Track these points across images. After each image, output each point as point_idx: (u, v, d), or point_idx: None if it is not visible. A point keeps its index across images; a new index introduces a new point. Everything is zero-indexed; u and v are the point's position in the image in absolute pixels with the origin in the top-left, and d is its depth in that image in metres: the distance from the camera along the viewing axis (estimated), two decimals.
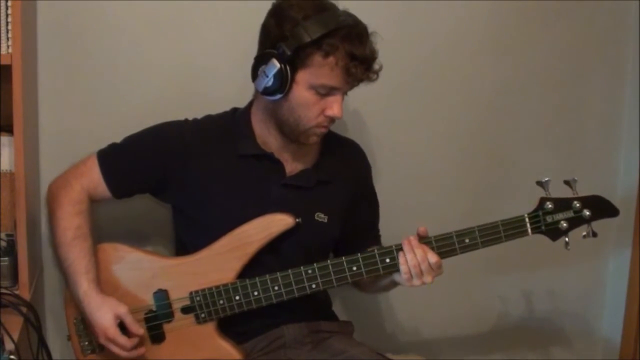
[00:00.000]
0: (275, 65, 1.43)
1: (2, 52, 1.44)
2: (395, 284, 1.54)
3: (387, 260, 1.49)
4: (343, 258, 1.50)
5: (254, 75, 1.48)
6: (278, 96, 1.47)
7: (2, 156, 1.53)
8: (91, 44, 1.72)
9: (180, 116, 1.63)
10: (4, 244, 1.55)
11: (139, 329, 1.49)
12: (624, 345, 2.21)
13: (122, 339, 1.47)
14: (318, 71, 1.44)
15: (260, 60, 1.47)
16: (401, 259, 1.47)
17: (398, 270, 1.48)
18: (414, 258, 1.46)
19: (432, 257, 1.46)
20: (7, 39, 1.44)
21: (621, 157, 2.18)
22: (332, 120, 1.50)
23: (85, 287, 1.48)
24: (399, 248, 1.48)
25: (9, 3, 1.44)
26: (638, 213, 2.13)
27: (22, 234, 1.51)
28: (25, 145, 1.49)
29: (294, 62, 1.43)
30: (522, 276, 2.16)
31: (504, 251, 2.06)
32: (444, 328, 2.13)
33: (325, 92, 1.46)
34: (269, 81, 1.45)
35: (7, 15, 1.44)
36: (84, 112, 1.75)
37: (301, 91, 1.46)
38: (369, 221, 1.74)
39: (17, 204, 1.50)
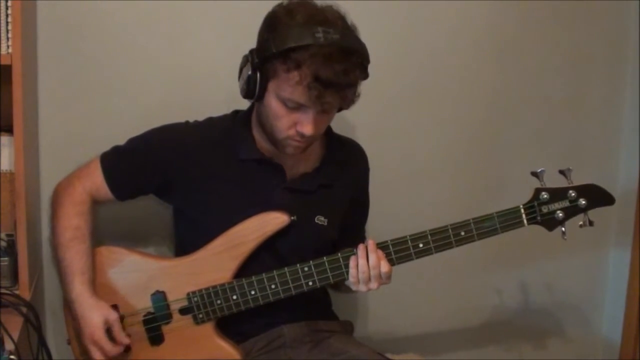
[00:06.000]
0: (249, 69, 1.43)
1: (2, 52, 1.44)
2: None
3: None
4: (339, 254, 1.50)
5: (239, 76, 1.49)
6: (252, 100, 1.47)
7: (2, 156, 1.53)
8: (91, 44, 1.72)
9: (181, 117, 1.63)
10: (4, 244, 1.55)
11: (125, 339, 1.49)
12: (624, 345, 2.21)
13: (107, 345, 1.47)
14: (282, 84, 1.40)
15: (243, 62, 1.47)
16: (352, 263, 1.47)
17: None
18: (364, 264, 1.46)
19: (384, 267, 1.46)
20: (7, 39, 1.44)
21: (621, 157, 2.18)
22: (303, 136, 1.46)
23: (78, 288, 1.48)
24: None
25: (9, 3, 1.43)
26: (638, 212, 2.13)
27: (22, 234, 1.51)
28: (25, 145, 1.49)
29: (263, 69, 1.41)
30: (522, 277, 2.17)
31: (504, 252, 2.09)
32: (444, 328, 2.13)
33: (293, 106, 1.43)
34: (243, 84, 1.45)
35: (7, 15, 1.44)
36: (84, 112, 1.75)
37: (272, 100, 1.44)
38: (360, 223, 1.75)
39: (17, 204, 1.50)
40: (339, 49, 1.37)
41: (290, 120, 1.45)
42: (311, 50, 1.35)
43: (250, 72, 1.42)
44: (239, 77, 1.49)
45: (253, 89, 1.44)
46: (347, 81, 1.39)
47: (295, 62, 1.36)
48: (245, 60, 1.46)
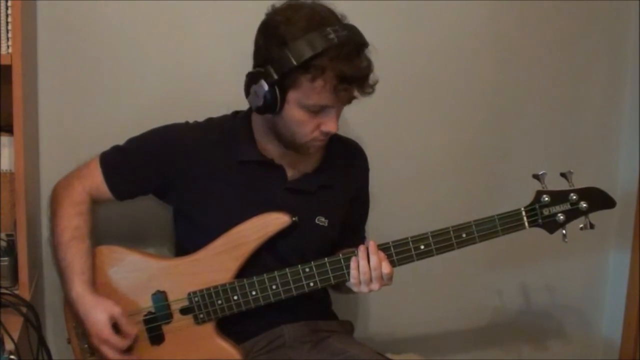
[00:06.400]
0: (264, 86, 1.41)
1: (2, 52, 1.44)
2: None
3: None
4: (340, 255, 1.50)
5: (247, 93, 1.47)
6: (271, 115, 1.46)
7: (2, 156, 1.53)
8: (91, 44, 1.72)
9: (181, 117, 1.62)
10: (4, 244, 1.55)
11: (132, 329, 1.49)
12: (624, 345, 2.21)
13: (116, 339, 1.47)
14: (307, 93, 1.41)
15: (251, 79, 1.45)
16: (353, 264, 1.48)
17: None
18: (365, 265, 1.46)
19: (386, 268, 1.46)
20: (7, 39, 1.44)
21: (621, 157, 2.18)
22: (328, 134, 1.48)
23: (78, 288, 1.48)
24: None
25: (9, 3, 1.43)
26: (638, 212, 2.13)
27: (22, 234, 1.51)
28: (25, 145, 1.49)
29: (282, 83, 1.41)
30: (523, 278, 2.17)
31: (505, 254, 2.09)
32: (444, 329, 2.13)
33: (317, 109, 1.44)
34: (259, 101, 1.44)
35: (7, 15, 1.44)
36: (84, 112, 1.75)
37: (293, 110, 1.44)
38: (360, 222, 1.75)
39: (17, 204, 1.50)
40: (353, 44, 1.40)
41: (314, 123, 1.46)
42: (330, 54, 1.37)
43: (267, 89, 1.41)
44: (247, 94, 1.47)
45: (274, 105, 1.43)
46: (367, 72, 1.43)
47: (320, 70, 1.37)
48: (254, 77, 1.44)
